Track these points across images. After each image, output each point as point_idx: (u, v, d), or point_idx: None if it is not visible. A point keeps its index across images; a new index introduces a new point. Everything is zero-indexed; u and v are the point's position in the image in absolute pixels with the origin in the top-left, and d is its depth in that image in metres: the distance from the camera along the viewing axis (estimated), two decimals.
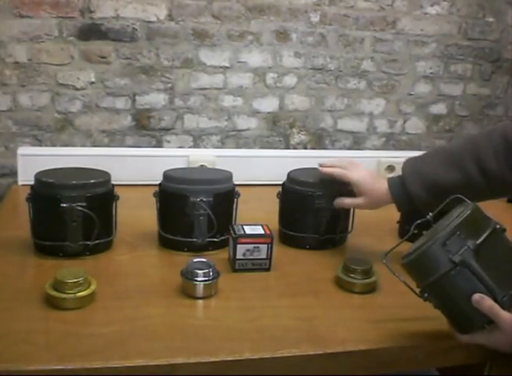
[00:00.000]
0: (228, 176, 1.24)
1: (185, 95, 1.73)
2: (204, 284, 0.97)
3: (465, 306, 0.80)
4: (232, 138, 1.81)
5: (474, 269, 0.79)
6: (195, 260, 1.01)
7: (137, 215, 1.33)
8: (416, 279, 0.84)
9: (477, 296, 0.79)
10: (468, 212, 0.82)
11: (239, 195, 1.23)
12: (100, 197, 1.13)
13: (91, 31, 1.61)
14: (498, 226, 0.83)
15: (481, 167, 1.01)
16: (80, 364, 0.77)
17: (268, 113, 1.81)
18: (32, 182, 1.14)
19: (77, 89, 1.65)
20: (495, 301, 0.78)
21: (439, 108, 1.97)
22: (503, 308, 0.78)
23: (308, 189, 1.21)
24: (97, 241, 1.12)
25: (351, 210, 1.27)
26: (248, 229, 1.11)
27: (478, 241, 0.80)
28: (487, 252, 0.80)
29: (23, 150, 1.61)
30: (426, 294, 0.83)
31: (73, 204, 1.08)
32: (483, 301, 0.78)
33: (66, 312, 0.90)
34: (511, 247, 0.84)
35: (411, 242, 1.34)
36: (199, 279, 0.97)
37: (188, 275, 0.98)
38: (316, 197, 1.20)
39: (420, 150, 1.97)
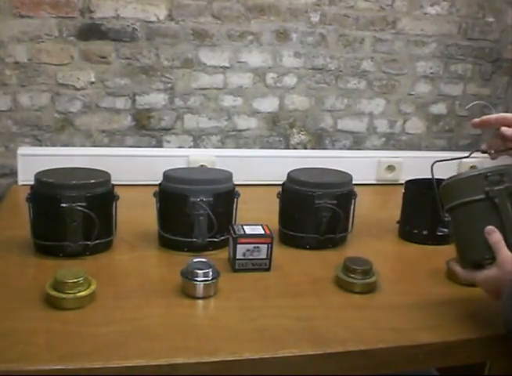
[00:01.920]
0: (228, 176, 1.24)
1: (185, 95, 1.73)
2: (204, 284, 0.97)
3: (477, 237, 0.87)
4: (232, 138, 1.81)
5: (500, 206, 0.86)
6: (195, 260, 1.01)
7: (137, 215, 1.33)
8: (447, 199, 0.91)
9: (490, 228, 0.86)
10: None
11: (239, 195, 1.23)
12: (100, 197, 1.13)
13: (91, 31, 1.61)
14: None
15: None
16: (80, 364, 0.77)
17: (268, 113, 1.81)
18: (32, 182, 1.14)
19: (77, 89, 1.65)
20: (505, 241, 0.84)
21: (439, 108, 1.97)
22: (509, 249, 0.84)
23: (308, 189, 1.21)
24: (97, 241, 1.12)
25: (351, 210, 1.27)
26: (248, 229, 1.11)
27: None
28: None
29: (23, 150, 1.61)
30: (448, 216, 0.91)
31: (73, 204, 1.08)
32: (494, 233, 0.85)
33: (66, 312, 0.90)
34: None
35: (411, 242, 1.35)
36: (199, 279, 0.97)
37: (188, 275, 0.98)
38: (316, 196, 1.20)
39: (419, 149, 1.97)
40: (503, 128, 0.92)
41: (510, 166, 0.89)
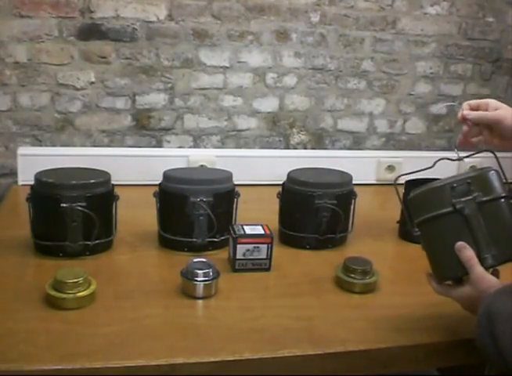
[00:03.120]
0: (228, 176, 1.24)
1: (185, 95, 1.73)
2: (204, 284, 0.97)
3: (449, 252, 0.82)
4: (232, 138, 1.81)
5: (470, 219, 0.81)
6: (195, 260, 1.01)
7: (137, 215, 1.33)
8: (415, 213, 0.86)
9: (461, 244, 0.81)
10: (490, 172, 0.84)
11: (239, 195, 1.23)
12: (100, 197, 1.13)
13: (92, 31, 1.61)
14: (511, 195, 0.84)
15: None
16: (80, 364, 0.77)
17: (268, 113, 1.81)
18: (32, 182, 1.14)
19: (77, 89, 1.65)
20: (478, 256, 0.80)
21: (439, 108, 1.97)
22: (482, 265, 0.80)
23: (308, 189, 1.21)
24: (97, 241, 1.12)
25: (351, 210, 1.27)
26: (248, 229, 1.11)
27: (485, 198, 0.82)
28: (488, 211, 0.82)
29: (23, 150, 1.61)
30: (417, 230, 0.85)
31: (73, 204, 1.08)
32: (465, 250, 0.81)
33: (66, 312, 0.90)
34: None
35: (411, 242, 1.35)
36: (199, 279, 0.97)
37: (188, 275, 0.98)
38: (316, 196, 1.20)
39: (419, 149, 1.97)
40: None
41: (481, 172, 0.84)
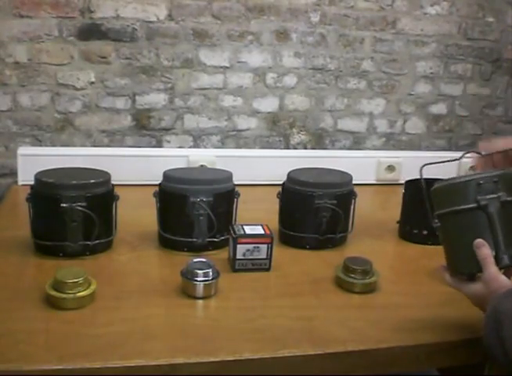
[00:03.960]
0: (229, 176, 1.24)
1: (185, 95, 1.73)
2: (204, 284, 0.97)
3: (466, 248, 0.82)
4: (232, 138, 1.81)
5: (492, 217, 0.81)
6: (195, 260, 1.01)
7: (137, 215, 1.33)
8: (437, 205, 0.86)
9: (480, 241, 0.81)
10: None
11: (239, 195, 1.23)
12: (100, 197, 1.13)
13: (91, 31, 1.61)
14: None
15: None
16: (80, 364, 0.77)
17: (268, 113, 1.81)
18: (32, 182, 1.14)
19: (77, 89, 1.65)
20: (495, 255, 0.80)
21: (439, 108, 1.97)
22: (497, 264, 0.80)
23: (308, 189, 1.21)
24: (97, 241, 1.12)
25: (351, 210, 1.27)
26: (248, 229, 1.11)
27: (509, 198, 0.82)
28: (511, 212, 0.82)
29: (23, 150, 1.61)
30: (438, 222, 0.86)
31: (73, 204, 1.08)
32: (483, 248, 0.81)
33: (66, 312, 0.90)
34: None
35: (411, 242, 1.35)
36: (199, 279, 0.97)
37: (188, 275, 0.98)
38: (316, 196, 1.20)
39: (419, 149, 1.97)
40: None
41: (509, 172, 0.84)
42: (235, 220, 1.23)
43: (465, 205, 0.82)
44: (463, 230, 0.84)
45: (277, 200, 1.27)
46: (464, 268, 0.85)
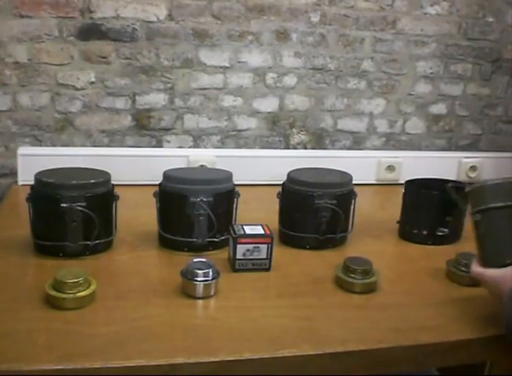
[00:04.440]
0: (229, 176, 1.24)
1: (185, 95, 1.73)
2: (204, 284, 0.97)
3: (505, 241, 0.90)
4: (232, 138, 1.81)
5: None
6: (195, 260, 1.01)
7: (137, 215, 1.33)
8: (480, 201, 0.93)
9: None
10: None
11: (239, 195, 1.23)
12: (100, 197, 1.13)
13: (91, 31, 1.61)
14: None
15: None
16: (80, 364, 0.77)
17: (268, 113, 1.81)
18: (32, 182, 1.14)
19: (77, 89, 1.65)
20: None
21: (439, 108, 1.97)
22: None
23: (308, 189, 1.21)
24: (97, 241, 1.12)
25: (351, 210, 1.27)
26: (248, 229, 1.11)
27: None
28: None
29: (23, 150, 1.61)
30: (479, 216, 0.92)
31: (73, 204, 1.08)
32: None
33: (66, 312, 0.90)
34: None
35: (411, 242, 1.35)
36: (199, 279, 0.97)
37: (188, 275, 0.98)
38: (316, 196, 1.20)
39: (419, 149, 1.97)
40: None
41: None
42: (235, 220, 1.23)
43: (509, 202, 0.90)
44: (504, 225, 0.91)
45: (277, 200, 1.27)
46: (501, 259, 0.89)
